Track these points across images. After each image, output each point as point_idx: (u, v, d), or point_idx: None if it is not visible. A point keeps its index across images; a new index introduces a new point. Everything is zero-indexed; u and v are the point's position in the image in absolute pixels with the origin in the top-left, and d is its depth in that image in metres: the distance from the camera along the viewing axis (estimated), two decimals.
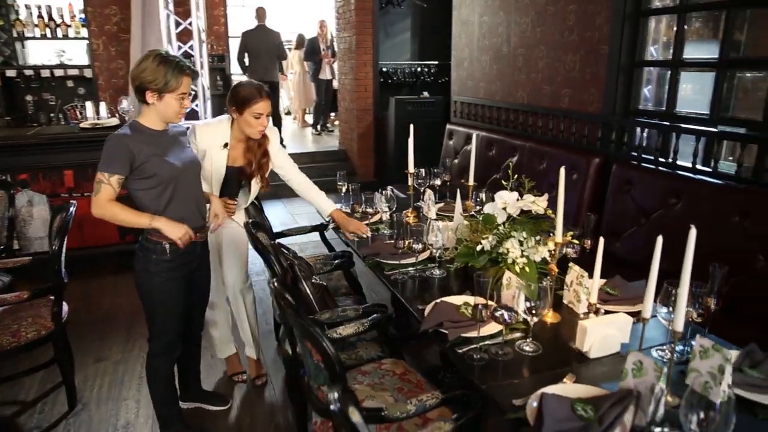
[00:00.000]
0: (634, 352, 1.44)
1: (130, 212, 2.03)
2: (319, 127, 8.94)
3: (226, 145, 2.48)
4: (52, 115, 5.97)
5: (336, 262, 2.73)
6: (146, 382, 2.34)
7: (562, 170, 1.93)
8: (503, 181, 2.41)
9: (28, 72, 5.85)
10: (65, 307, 2.57)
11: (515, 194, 2.24)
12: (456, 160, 4.64)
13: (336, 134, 8.60)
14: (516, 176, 2.35)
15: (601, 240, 1.85)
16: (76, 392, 2.67)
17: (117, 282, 4.16)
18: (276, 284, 1.69)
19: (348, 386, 1.39)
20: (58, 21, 5.76)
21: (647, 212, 2.91)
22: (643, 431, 1.10)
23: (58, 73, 5.91)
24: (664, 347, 1.72)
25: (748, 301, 2.37)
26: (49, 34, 5.73)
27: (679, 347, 1.70)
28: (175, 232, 2.06)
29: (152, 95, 2.00)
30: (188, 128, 2.42)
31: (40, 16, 5.63)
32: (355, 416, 0.98)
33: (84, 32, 5.75)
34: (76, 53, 6.13)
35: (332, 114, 9.49)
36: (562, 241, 1.96)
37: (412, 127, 2.94)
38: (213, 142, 2.47)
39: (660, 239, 1.54)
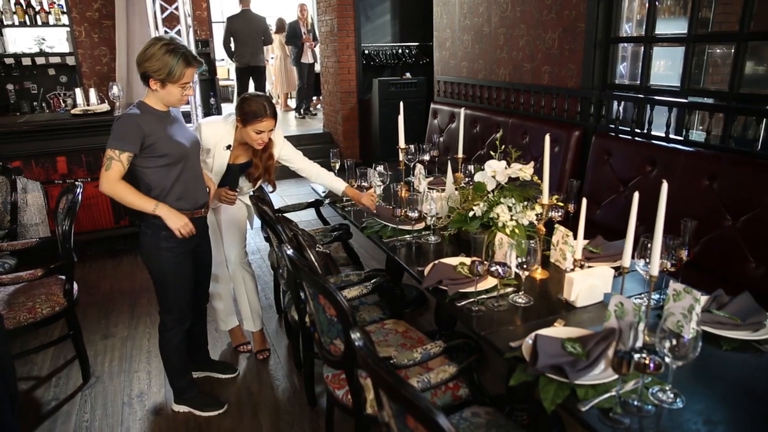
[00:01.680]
0: (616, 296, 1.61)
1: (137, 195, 2.11)
2: (302, 110, 8.99)
3: (229, 146, 2.57)
4: (35, 103, 5.95)
5: (335, 234, 2.87)
6: (159, 354, 2.46)
7: (547, 137, 2.08)
8: (491, 152, 2.57)
9: (9, 60, 5.81)
10: (75, 285, 2.67)
11: (503, 163, 2.40)
12: (441, 138, 4.77)
13: (319, 117, 8.67)
14: (503, 147, 2.51)
15: (584, 200, 2.02)
16: (89, 366, 2.78)
17: (114, 265, 4.24)
18: (289, 247, 1.82)
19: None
20: (37, 8, 5.71)
21: (625, 180, 3.10)
22: (624, 355, 1.27)
23: (40, 61, 5.88)
24: (642, 296, 1.91)
25: (718, 257, 2.58)
26: (28, 22, 5.69)
27: (655, 296, 1.89)
28: (176, 222, 2.15)
29: (155, 83, 2.08)
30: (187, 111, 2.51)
31: (18, 3, 5.58)
32: (386, 353, 1.12)
33: (64, 19, 5.72)
34: (56, 41, 6.10)
35: (314, 98, 9.55)
36: (549, 203, 2.12)
37: (402, 104, 3.07)
38: (217, 142, 2.55)
39: (636, 195, 1.71)
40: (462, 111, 3.11)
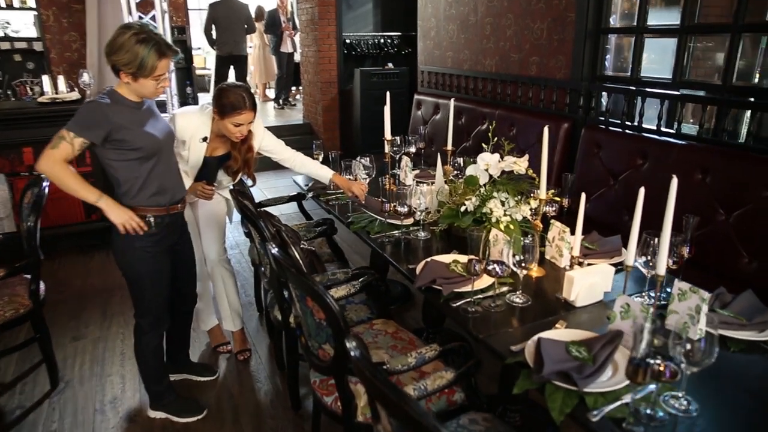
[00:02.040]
0: (621, 297, 1.54)
1: (80, 182, 1.92)
2: (281, 101, 8.80)
3: (205, 138, 2.42)
4: None
5: (319, 229, 2.75)
6: (135, 359, 2.31)
7: (546, 129, 1.99)
8: (483, 144, 2.48)
9: None
10: (42, 285, 2.50)
11: (497, 156, 2.31)
12: (425, 130, 4.67)
13: (299, 108, 8.49)
14: (496, 139, 2.42)
15: (583, 195, 1.94)
16: (57, 371, 2.62)
17: (86, 261, 4.04)
18: (274, 246, 1.70)
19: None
20: None
21: (615, 173, 3.04)
22: (641, 363, 1.18)
23: (4, 46, 5.57)
24: (643, 294, 1.83)
25: (712, 252, 2.53)
26: None
27: (653, 294, 1.81)
28: (120, 215, 1.98)
29: (126, 77, 1.92)
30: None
31: None
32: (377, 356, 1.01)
33: (30, 2, 5.43)
34: (22, 25, 5.79)
35: (293, 88, 9.35)
36: (546, 198, 2.03)
37: (388, 94, 2.95)
38: (193, 134, 2.40)
39: (642, 190, 1.63)
40: (452, 102, 3.01)
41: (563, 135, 3.45)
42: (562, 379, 1.34)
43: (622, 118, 3.17)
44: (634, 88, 3.15)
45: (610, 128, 3.22)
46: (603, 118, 3.30)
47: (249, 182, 2.62)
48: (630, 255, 1.66)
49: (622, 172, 3.01)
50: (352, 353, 1.14)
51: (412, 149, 3.30)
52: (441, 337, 2.76)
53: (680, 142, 2.78)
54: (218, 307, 2.82)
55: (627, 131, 3.12)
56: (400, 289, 3.46)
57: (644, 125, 3.05)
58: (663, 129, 2.93)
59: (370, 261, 3.28)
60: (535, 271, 1.98)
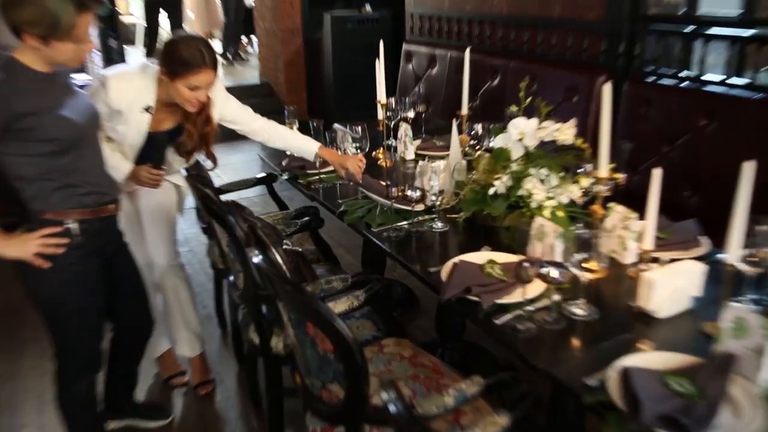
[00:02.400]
0: (732, 307, 1.39)
1: None
2: (229, 55, 8.60)
3: (148, 108, 2.22)
4: None
5: (301, 221, 2.57)
6: (59, 413, 2.09)
7: (607, 86, 1.84)
8: (513, 107, 2.32)
9: None
10: None
11: (534, 121, 2.15)
12: (420, 89, 4.51)
13: (253, 64, 8.41)
14: (529, 99, 2.28)
15: (657, 172, 1.79)
16: None
17: None
18: (258, 253, 1.51)
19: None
20: None
21: (671, 138, 2.92)
22: None
23: None
24: (740, 300, 1.69)
25: None
26: None
27: (751, 296, 1.68)
28: (20, 250, 1.79)
29: (34, 40, 1.68)
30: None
31: None
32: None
33: None
34: None
35: (244, 38, 9.11)
36: (607, 176, 1.87)
37: (381, 44, 2.79)
38: (131, 102, 2.19)
39: (751, 164, 1.49)
40: (467, 53, 2.86)
41: (598, 91, 3.32)
42: (668, 426, 1.20)
43: (678, 68, 3.06)
44: (691, 28, 3.02)
45: (661, 81, 3.11)
46: (651, 69, 3.19)
47: (208, 164, 2.42)
48: (733, 250, 1.52)
49: (679, 137, 2.89)
50: (392, 408, 0.97)
51: (411, 114, 3.13)
52: (461, 354, 2.62)
53: (757, 95, 2.68)
54: (170, 326, 2.65)
55: (682, 85, 3.01)
56: (401, 291, 3.32)
57: (706, 77, 2.94)
58: (733, 81, 2.83)
59: (362, 257, 3.13)
60: (598, 271, 1.83)
